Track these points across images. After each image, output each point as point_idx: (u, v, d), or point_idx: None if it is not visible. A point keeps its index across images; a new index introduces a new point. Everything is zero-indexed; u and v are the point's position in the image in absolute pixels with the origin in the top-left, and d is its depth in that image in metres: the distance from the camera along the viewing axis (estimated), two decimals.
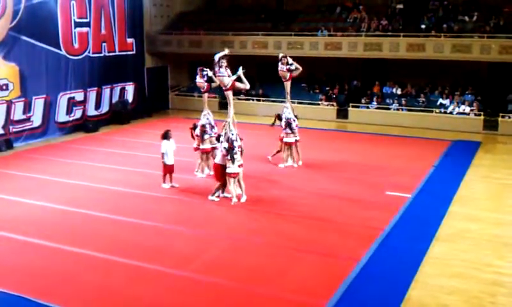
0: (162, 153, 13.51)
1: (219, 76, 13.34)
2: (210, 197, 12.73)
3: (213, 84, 14.73)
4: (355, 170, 15.43)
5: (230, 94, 13.28)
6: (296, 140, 15.67)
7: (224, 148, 12.42)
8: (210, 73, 14.44)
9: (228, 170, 12.37)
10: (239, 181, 12.65)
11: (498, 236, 10.65)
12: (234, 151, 12.30)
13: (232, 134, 12.52)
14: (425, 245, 10.05)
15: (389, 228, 10.89)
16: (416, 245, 10.09)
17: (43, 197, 12.95)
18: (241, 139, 12.82)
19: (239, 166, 12.55)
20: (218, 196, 12.73)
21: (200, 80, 15.02)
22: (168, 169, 13.65)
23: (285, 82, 16.01)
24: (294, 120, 15.61)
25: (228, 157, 12.30)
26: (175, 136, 13.88)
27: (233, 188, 12.45)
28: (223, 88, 13.37)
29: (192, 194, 13.14)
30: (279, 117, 15.84)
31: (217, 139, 13.28)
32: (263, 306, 8.07)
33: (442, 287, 8.50)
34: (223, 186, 12.72)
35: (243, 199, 12.59)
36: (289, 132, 15.48)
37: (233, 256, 9.71)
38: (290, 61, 15.82)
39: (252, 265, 9.31)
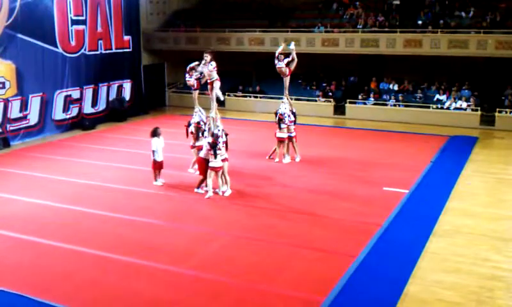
0: (153, 151, 13.57)
1: (209, 72, 13.40)
2: (196, 190, 12.94)
3: (202, 81, 14.69)
4: (352, 166, 15.45)
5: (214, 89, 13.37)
6: (289, 136, 15.66)
7: (208, 142, 12.49)
8: (200, 69, 14.43)
9: (210, 164, 12.51)
10: (223, 174, 12.76)
11: (496, 231, 10.67)
12: (218, 146, 12.40)
13: (219, 130, 12.63)
14: (422, 241, 10.07)
15: (386, 224, 10.90)
16: (414, 241, 10.11)
17: (40, 195, 12.93)
18: (226, 134, 12.96)
19: (222, 160, 12.65)
20: (203, 188, 12.91)
21: (189, 79, 15.03)
22: (158, 166, 13.72)
23: (284, 78, 16.00)
24: (289, 116, 15.59)
25: (212, 152, 12.39)
26: (172, 134, 13.90)
27: (210, 183, 12.60)
28: (208, 81, 13.43)
29: (188, 192, 13.11)
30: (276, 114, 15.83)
31: (202, 133, 13.36)
32: (261, 302, 8.07)
33: (440, 282, 8.52)
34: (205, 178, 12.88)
35: (227, 193, 12.73)
36: (282, 127, 15.46)
37: (230, 253, 9.72)
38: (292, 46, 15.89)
39: (250, 262, 9.31)
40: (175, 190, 13.26)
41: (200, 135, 14.05)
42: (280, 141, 15.64)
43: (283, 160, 15.69)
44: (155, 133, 13.64)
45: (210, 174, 12.61)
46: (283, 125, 15.46)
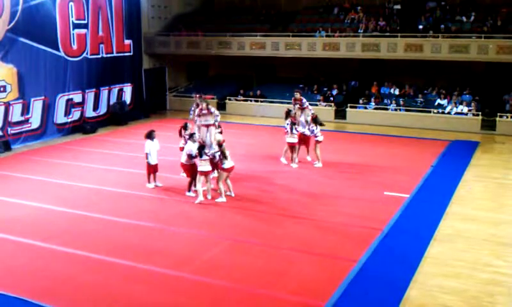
0: (146, 153, 13.61)
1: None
2: (187, 193, 13.00)
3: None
4: (353, 170, 15.44)
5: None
6: (296, 141, 15.71)
7: (198, 148, 12.44)
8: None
9: (200, 168, 12.41)
10: (218, 181, 12.73)
11: (497, 236, 10.66)
12: (205, 149, 12.38)
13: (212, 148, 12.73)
14: (423, 246, 10.06)
15: (387, 228, 10.89)
16: (415, 246, 10.10)
17: (41, 198, 12.94)
18: (223, 141, 12.93)
19: (226, 170, 12.57)
20: (195, 191, 12.88)
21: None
22: (152, 169, 13.77)
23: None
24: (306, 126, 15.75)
25: (198, 156, 12.34)
26: (172, 138, 13.88)
27: (200, 188, 12.52)
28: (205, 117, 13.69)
29: (188, 195, 13.10)
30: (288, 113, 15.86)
31: (190, 137, 13.13)
32: (261, 306, 8.06)
33: (441, 287, 8.51)
34: (194, 179, 12.87)
35: (220, 200, 12.63)
36: (293, 132, 15.48)
37: (231, 257, 9.70)
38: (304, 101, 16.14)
39: (250, 266, 9.30)
40: (176, 194, 13.25)
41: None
42: (291, 146, 15.65)
43: (292, 165, 15.69)
44: (149, 136, 13.70)
45: (200, 179, 12.53)
46: (295, 131, 15.45)
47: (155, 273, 9.01)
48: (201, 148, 12.42)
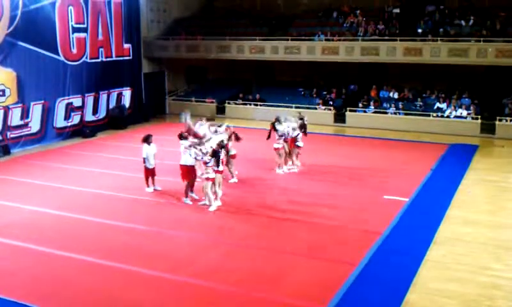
0: (144, 158, 13.63)
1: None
2: (184, 200, 12.88)
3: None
4: (352, 174, 15.44)
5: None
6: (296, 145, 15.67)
7: (208, 152, 12.29)
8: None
9: (207, 175, 12.27)
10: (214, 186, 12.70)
11: (496, 239, 10.65)
12: (219, 155, 12.26)
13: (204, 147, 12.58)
14: (423, 249, 10.04)
15: (387, 232, 10.88)
16: (415, 249, 10.09)
17: (40, 202, 12.92)
18: (223, 147, 12.87)
19: (218, 172, 12.55)
20: (192, 198, 12.91)
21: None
22: (150, 173, 13.78)
23: None
24: (288, 133, 15.51)
25: (212, 162, 12.19)
26: (172, 141, 13.86)
27: (211, 195, 12.40)
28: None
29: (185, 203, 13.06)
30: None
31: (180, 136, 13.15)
32: None
33: (440, 291, 8.49)
34: (192, 185, 12.91)
35: (202, 203, 12.65)
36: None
37: (229, 261, 9.68)
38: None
39: (249, 270, 9.29)
40: (174, 198, 13.23)
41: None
42: (275, 150, 15.62)
43: (277, 170, 15.60)
44: (145, 140, 13.72)
45: (208, 185, 12.35)
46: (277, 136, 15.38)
47: (153, 277, 8.98)
48: (215, 154, 12.20)
